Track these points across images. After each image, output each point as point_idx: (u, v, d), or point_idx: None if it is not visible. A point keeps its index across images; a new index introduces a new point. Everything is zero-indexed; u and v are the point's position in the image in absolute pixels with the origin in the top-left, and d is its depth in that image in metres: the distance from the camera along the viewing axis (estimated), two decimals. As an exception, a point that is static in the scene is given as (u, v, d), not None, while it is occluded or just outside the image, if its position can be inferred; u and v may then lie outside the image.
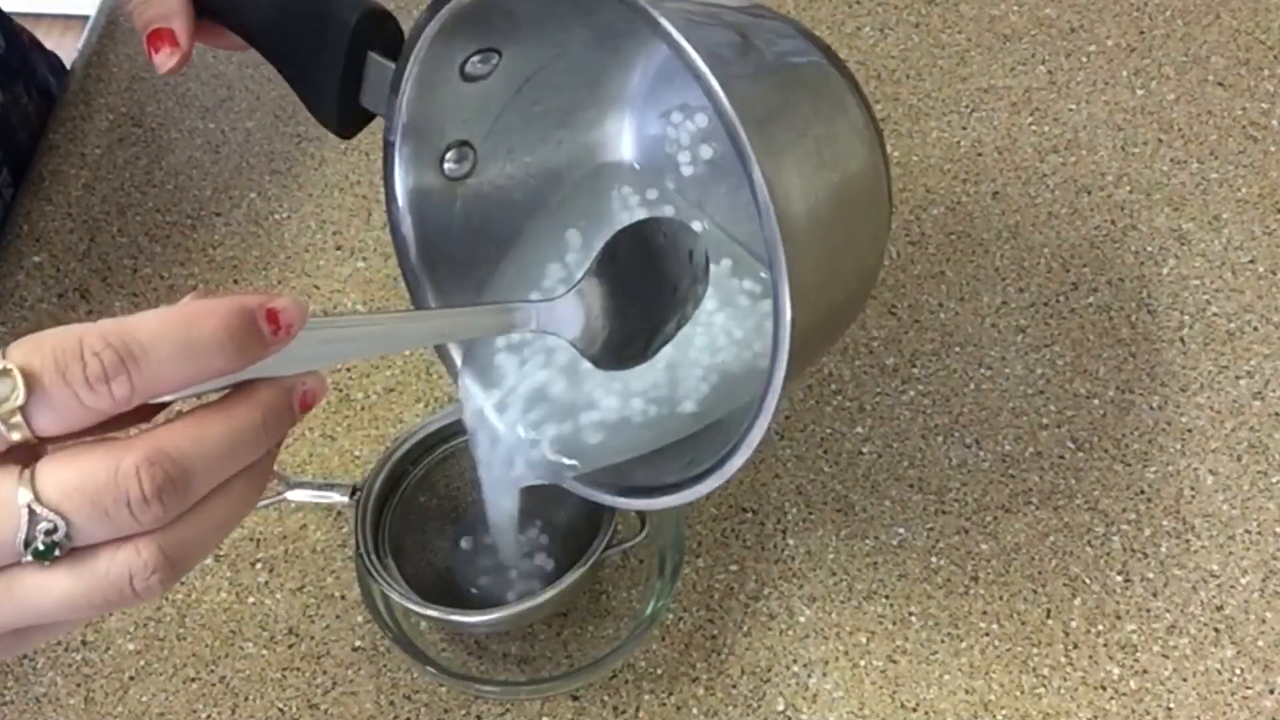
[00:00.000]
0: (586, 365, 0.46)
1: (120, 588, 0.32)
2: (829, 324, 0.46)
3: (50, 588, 0.32)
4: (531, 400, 0.48)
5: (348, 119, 0.49)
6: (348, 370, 0.63)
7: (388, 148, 0.48)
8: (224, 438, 0.34)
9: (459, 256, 0.51)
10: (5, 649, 0.34)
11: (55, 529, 0.31)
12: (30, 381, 0.31)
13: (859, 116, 0.45)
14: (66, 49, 0.80)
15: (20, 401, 0.31)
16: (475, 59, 0.47)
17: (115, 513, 0.32)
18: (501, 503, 0.50)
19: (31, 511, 0.31)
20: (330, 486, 0.57)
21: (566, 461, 0.48)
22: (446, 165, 0.50)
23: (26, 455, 0.32)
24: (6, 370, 0.31)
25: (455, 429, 0.55)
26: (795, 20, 0.47)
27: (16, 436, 0.31)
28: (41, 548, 0.31)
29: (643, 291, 0.46)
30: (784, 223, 0.38)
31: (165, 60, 0.51)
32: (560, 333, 0.45)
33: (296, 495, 0.57)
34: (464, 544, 0.56)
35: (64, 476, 0.31)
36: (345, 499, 0.57)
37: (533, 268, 0.51)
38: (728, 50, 0.41)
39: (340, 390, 0.63)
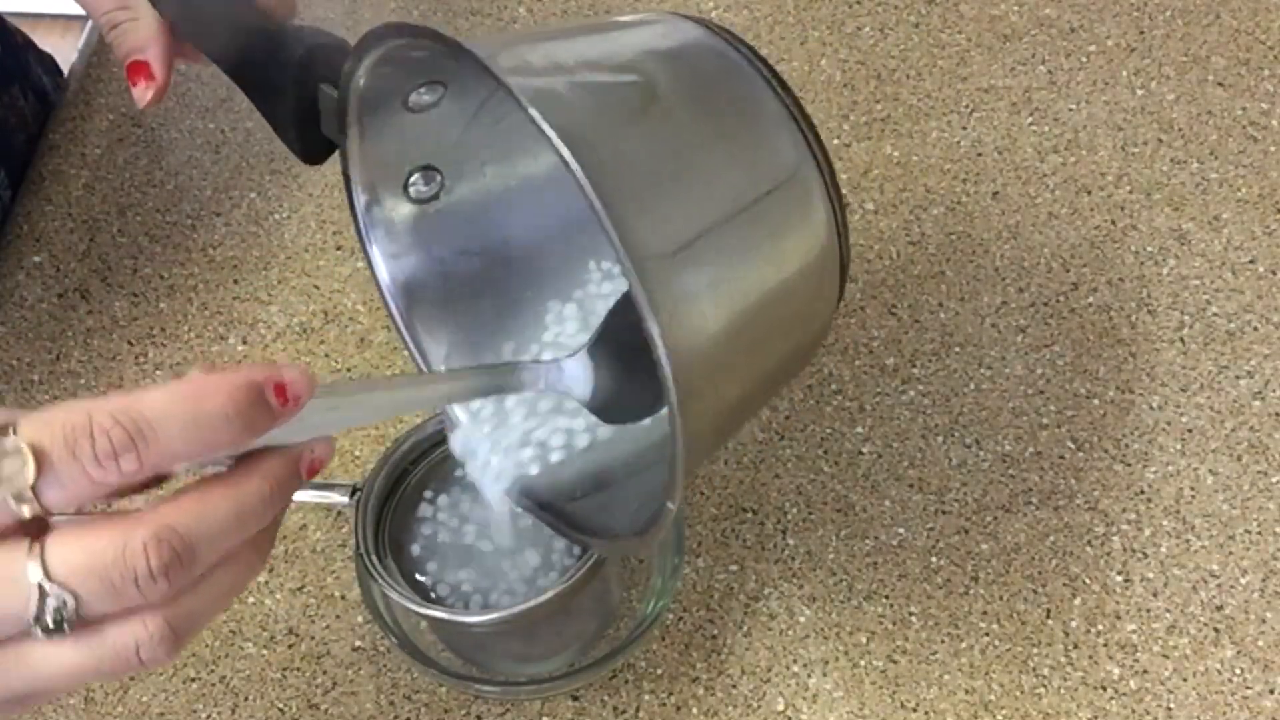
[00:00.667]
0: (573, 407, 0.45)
1: (127, 659, 0.33)
2: (742, 415, 0.44)
3: (58, 659, 0.33)
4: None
5: (312, 148, 0.49)
6: (347, 370, 0.63)
7: (346, 180, 0.47)
8: (230, 511, 0.34)
9: (439, 284, 0.50)
10: (6, 711, 0.35)
11: (64, 605, 0.32)
12: (40, 458, 0.31)
13: (811, 177, 0.38)
14: (66, 49, 0.80)
15: (30, 479, 0.31)
16: (420, 90, 0.45)
17: (123, 588, 0.32)
18: (502, 519, 0.50)
19: (42, 589, 0.32)
20: (330, 487, 0.57)
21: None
22: (412, 190, 0.49)
23: (35, 528, 0.33)
24: (18, 448, 0.31)
25: None
26: (726, 35, 0.42)
27: (26, 512, 0.32)
28: (51, 624, 0.32)
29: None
30: (679, 362, 0.34)
31: (142, 94, 0.51)
32: (571, 392, 0.44)
33: (297, 495, 0.57)
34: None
35: (73, 554, 0.32)
36: (345, 499, 0.57)
37: (522, 315, 0.50)
38: (613, 112, 0.36)
39: None
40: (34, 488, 0.32)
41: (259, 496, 0.35)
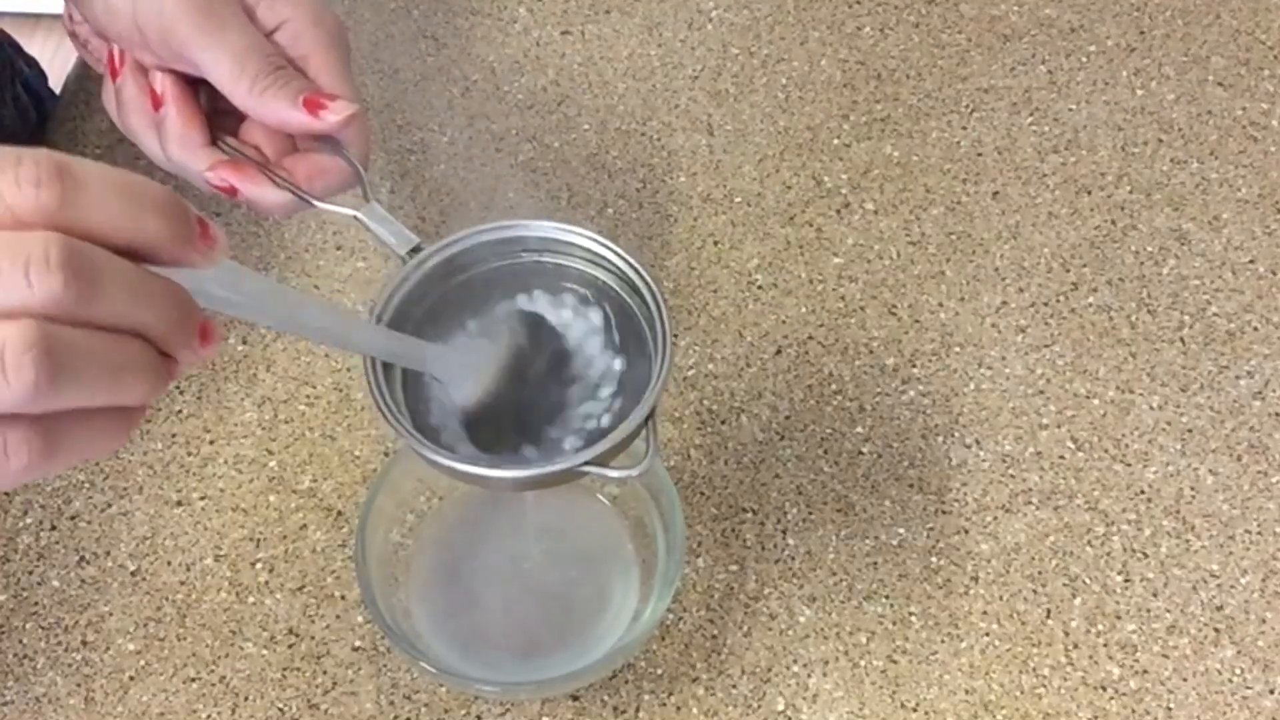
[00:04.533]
0: None
1: None
2: None
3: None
4: None
5: None
6: (348, 370, 0.63)
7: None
8: (132, 283, 0.32)
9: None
10: None
11: None
12: None
13: None
14: (65, 49, 0.80)
15: None
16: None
17: (10, 273, 0.30)
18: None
19: None
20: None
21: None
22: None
23: None
24: None
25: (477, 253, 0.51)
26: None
27: None
28: None
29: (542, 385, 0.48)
30: None
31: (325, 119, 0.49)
32: (446, 388, 0.46)
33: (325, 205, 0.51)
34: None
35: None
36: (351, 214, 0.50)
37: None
38: None
39: (340, 390, 0.63)
40: None
41: (161, 293, 0.33)
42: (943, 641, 0.55)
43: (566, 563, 0.58)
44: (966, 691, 0.54)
